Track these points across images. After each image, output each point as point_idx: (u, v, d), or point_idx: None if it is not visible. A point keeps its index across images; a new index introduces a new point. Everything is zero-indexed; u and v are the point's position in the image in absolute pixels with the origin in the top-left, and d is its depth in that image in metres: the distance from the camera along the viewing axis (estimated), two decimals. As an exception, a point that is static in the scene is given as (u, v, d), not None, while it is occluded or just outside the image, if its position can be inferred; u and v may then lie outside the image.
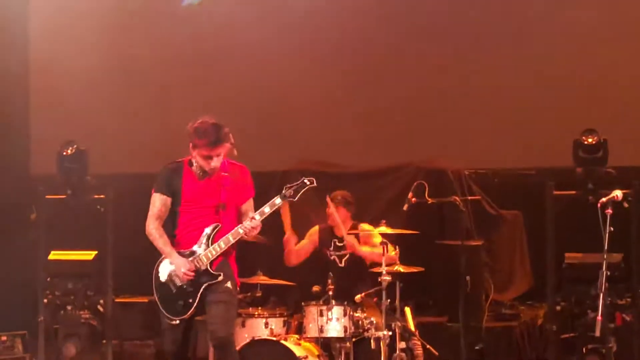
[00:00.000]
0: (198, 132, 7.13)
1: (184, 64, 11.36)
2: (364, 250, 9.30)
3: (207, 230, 7.20)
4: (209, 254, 7.17)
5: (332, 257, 9.42)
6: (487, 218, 10.71)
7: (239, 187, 7.31)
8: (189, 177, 7.29)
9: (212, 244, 7.18)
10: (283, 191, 7.12)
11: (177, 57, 11.42)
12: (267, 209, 7.14)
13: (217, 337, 7.14)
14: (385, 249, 8.84)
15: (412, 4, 11.20)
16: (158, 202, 7.32)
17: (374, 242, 9.23)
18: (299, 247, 9.59)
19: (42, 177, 10.63)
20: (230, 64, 11.21)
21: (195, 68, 11.31)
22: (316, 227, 9.64)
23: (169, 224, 7.34)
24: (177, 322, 7.23)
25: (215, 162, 7.18)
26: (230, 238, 7.15)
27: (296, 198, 7.12)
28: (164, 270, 7.31)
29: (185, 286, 7.20)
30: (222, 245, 7.16)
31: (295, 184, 7.12)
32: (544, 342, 9.82)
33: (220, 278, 7.14)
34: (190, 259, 7.18)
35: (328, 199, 9.25)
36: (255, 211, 7.20)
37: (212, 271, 7.18)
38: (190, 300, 7.18)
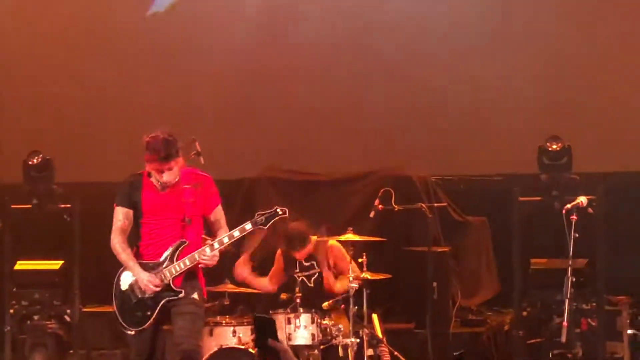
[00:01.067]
0: (149, 147, 7.13)
1: (150, 73, 11.34)
2: (338, 287, 9.18)
3: (172, 247, 7.20)
4: (173, 270, 7.17)
5: (300, 279, 9.12)
6: (453, 224, 10.77)
7: (202, 198, 7.29)
8: (149, 188, 7.28)
9: (176, 260, 7.18)
10: (255, 217, 7.18)
11: (143, 66, 11.41)
12: (236, 233, 7.20)
13: (184, 349, 7.12)
14: (351, 262, 8.84)
15: (378, 16, 11.23)
16: (120, 215, 7.32)
17: (345, 259, 9.12)
18: (271, 274, 9.44)
19: (7, 187, 10.57)
20: (197, 71, 11.20)
21: (162, 75, 11.29)
22: (279, 251, 9.40)
23: (133, 236, 7.35)
24: (132, 332, 7.23)
25: (167, 177, 7.17)
26: (196, 256, 7.15)
27: (267, 226, 7.17)
28: (125, 280, 7.30)
29: (145, 298, 7.21)
30: (187, 262, 7.17)
31: (267, 212, 7.17)
32: (510, 348, 9.86)
33: (181, 295, 7.16)
34: (154, 272, 7.18)
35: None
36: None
37: (174, 287, 7.19)
38: (149, 313, 7.18)
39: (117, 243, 7.28)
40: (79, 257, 9.89)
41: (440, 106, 11.11)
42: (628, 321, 9.65)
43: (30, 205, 9.98)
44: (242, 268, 9.33)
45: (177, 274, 7.18)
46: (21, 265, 10.04)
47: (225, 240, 7.18)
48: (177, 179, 7.24)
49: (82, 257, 9.91)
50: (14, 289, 9.92)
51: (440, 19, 11.20)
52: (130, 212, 7.29)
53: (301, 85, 11.24)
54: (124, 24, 11.51)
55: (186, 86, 11.27)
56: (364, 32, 11.24)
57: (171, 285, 7.18)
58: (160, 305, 7.16)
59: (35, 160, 9.96)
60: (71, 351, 9.86)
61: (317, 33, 11.22)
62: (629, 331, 9.62)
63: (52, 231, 10.32)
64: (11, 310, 9.84)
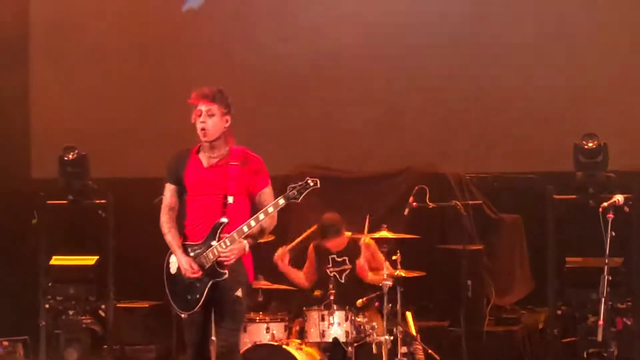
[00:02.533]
0: (197, 89, 7.03)
1: (185, 67, 11.37)
2: (371, 277, 9.18)
3: (213, 227, 6.95)
4: (215, 251, 6.93)
5: (332, 274, 9.20)
6: (487, 222, 10.72)
7: (249, 177, 7.00)
8: (195, 163, 7.08)
9: (218, 240, 6.93)
10: (287, 191, 6.92)
11: (177, 59, 11.45)
12: (270, 209, 6.89)
13: (222, 345, 7.06)
14: (385, 260, 8.84)
15: (415, 18, 11.20)
16: (167, 192, 7.15)
17: (379, 257, 9.15)
18: (304, 270, 9.48)
19: (43, 182, 10.65)
20: (231, 66, 11.21)
21: (197, 70, 11.32)
22: (311, 246, 9.43)
23: (182, 214, 7.17)
24: (185, 316, 7.15)
25: (205, 124, 6.99)
26: (235, 236, 6.89)
27: (300, 199, 6.85)
28: (174, 262, 7.10)
29: (193, 281, 7.00)
30: (227, 243, 6.91)
31: (298, 184, 6.85)
32: (545, 347, 9.82)
33: (226, 277, 6.91)
34: (193, 254, 7.02)
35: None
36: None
37: (218, 269, 6.94)
38: (198, 296, 6.97)
39: (164, 222, 7.09)
40: (113, 252, 9.95)
41: (475, 103, 11.06)
42: (664, 320, 9.59)
43: (65, 201, 10.07)
44: (281, 258, 9.28)
45: (218, 255, 6.92)
46: (56, 260, 10.12)
47: (270, 210, 6.85)
48: (219, 152, 7.04)
49: (117, 253, 9.97)
50: (50, 284, 10.00)
51: (474, 14, 11.16)
52: (176, 188, 7.13)
53: (336, 81, 11.22)
54: (160, 20, 11.56)
55: (221, 82, 11.26)
56: (400, 30, 11.21)
57: (216, 267, 6.94)
58: (207, 288, 6.94)
59: (70, 156, 10.03)
60: (105, 346, 9.92)
61: (350, 32, 11.20)
62: (665, 330, 9.56)
63: (87, 227, 10.40)
64: (46, 305, 9.93)
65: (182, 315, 7.10)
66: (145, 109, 11.43)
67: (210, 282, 6.97)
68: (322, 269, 9.28)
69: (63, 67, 11.49)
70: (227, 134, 7.10)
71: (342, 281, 9.18)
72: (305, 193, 6.85)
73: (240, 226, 6.89)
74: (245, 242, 6.94)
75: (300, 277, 9.42)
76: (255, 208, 7.02)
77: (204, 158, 7.11)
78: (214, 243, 6.95)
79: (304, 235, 9.28)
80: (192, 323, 7.10)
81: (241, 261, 7.05)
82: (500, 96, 11.01)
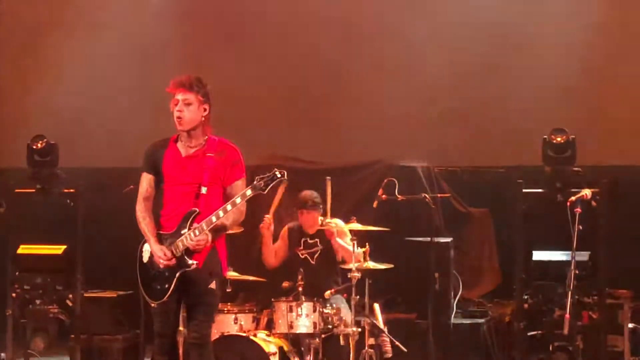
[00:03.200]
0: (175, 78, 7.01)
1: (156, 57, 11.34)
2: (340, 242, 9.27)
3: (184, 217, 6.99)
4: (185, 240, 6.96)
5: (303, 256, 9.41)
6: (456, 215, 10.77)
7: (224, 169, 7.03)
8: (173, 153, 7.09)
9: (188, 230, 6.95)
10: (254, 182, 6.91)
11: (150, 50, 11.41)
12: (238, 200, 6.90)
13: (194, 337, 7.07)
14: (354, 245, 8.88)
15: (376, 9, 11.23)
16: (144, 181, 7.15)
17: (346, 240, 9.28)
18: (276, 248, 9.59)
19: (12, 171, 10.59)
20: (204, 58, 11.19)
21: (168, 61, 11.29)
22: (285, 228, 9.65)
23: (158, 203, 7.18)
24: (155, 305, 7.13)
25: (182, 112, 6.96)
26: (204, 226, 6.93)
27: (266, 190, 6.87)
28: (147, 251, 7.13)
29: (163, 271, 7.02)
30: (196, 233, 6.94)
31: (266, 175, 6.86)
32: (511, 339, 9.87)
33: (194, 266, 6.93)
34: (166, 243, 7.03)
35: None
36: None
37: (187, 259, 6.96)
38: (167, 286, 6.99)
39: (139, 211, 7.11)
40: (81, 242, 9.90)
41: (444, 97, 11.11)
42: (629, 315, 9.66)
43: (33, 190, 9.99)
44: (268, 227, 9.46)
45: (187, 245, 6.94)
46: (24, 249, 10.04)
47: (213, 219, 6.88)
48: (196, 141, 7.05)
49: (85, 242, 9.92)
50: (17, 273, 9.93)
51: (442, 11, 11.21)
52: (153, 178, 7.14)
53: (305, 73, 11.23)
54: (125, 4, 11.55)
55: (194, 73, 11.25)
56: (371, 22, 11.24)
57: (184, 257, 6.96)
58: (175, 278, 6.97)
59: (39, 145, 9.96)
60: (72, 336, 9.87)
61: (322, 24, 11.22)
62: (630, 325, 9.63)
63: (56, 216, 10.32)
64: (13, 294, 9.85)
65: (152, 305, 7.10)
66: (118, 97, 11.39)
67: (179, 273, 6.98)
68: (293, 251, 9.41)
69: (30, 55, 11.41)
70: (205, 123, 7.11)
71: (313, 262, 9.32)
72: (272, 185, 6.86)
73: (209, 216, 6.91)
74: (209, 233, 6.95)
75: (271, 252, 9.53)
76: (227, 199, 7.03)
77: (182, 148, 7.11)
78: (184, 232, 6.96)
79: (278, 196, 9.30)
80: (161, 313, 7.09)
81: (216, 252, 7.08)
82: (470, 91, 11.05)
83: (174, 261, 6.98)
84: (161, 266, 7.01)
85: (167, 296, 7.01)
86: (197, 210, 6.97)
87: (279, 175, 6.85)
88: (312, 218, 9.38)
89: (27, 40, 11.47)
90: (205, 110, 7.07)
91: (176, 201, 7.06)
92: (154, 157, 7.14)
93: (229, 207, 6.90)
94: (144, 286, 7.14)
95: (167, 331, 7.11)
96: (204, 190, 6.99)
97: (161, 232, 7.09)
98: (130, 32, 11.49)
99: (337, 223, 9.33)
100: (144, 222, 7.10)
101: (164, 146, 7.15)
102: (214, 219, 6.90)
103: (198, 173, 7.01)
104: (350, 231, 9.06)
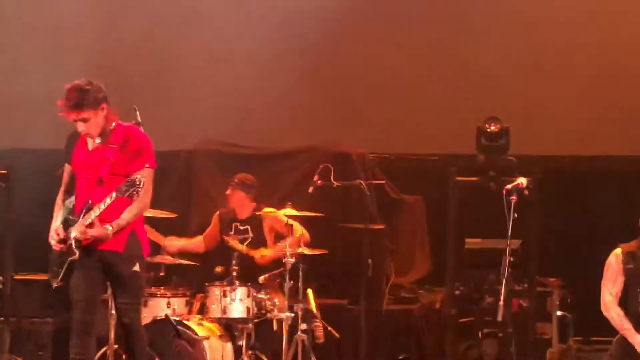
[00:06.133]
0: (65, 93, 6.95)
1: (89, 36, 11.22)
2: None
3: (83, 207, 7.02)
4: (74, 231, 6.99)
5: (231, 242, 9.32)
6: (389, 202, 10.81)
7: (127, 159, 7.00)
8: (82, 145, 7.13)
9: (81, 219, 6.99)
10: (120, 186, 6.86)
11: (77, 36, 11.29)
12: (102, 206, 6.91)
13: (125, 323, 7.06)
14: (291, 230, 8.89)
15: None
16: (65, 171, 7.27)
17: (278, 227, 9.25)
18: (206, 234, 9.56)
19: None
20: (139, 44, 11.10)
21: (99, 44, 11.18)
22: (217, 213, 9.61)
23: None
24: (53, 286, 7.17)
25: (83, 128, 6.97)
26: (81, 220, 6.95)
27: (125, 195, 6.82)
28: None
29: (59, 254, 7.09)
30: (85, 223, 6.96)
31: (130, 180, 6.84)
32: (442, 326, 9.97)
33: (76, 257, 6.98)
34: (69, 230, 7.04)
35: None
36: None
37: (73, 249, 6.98)
38: (59, 270, 7.09)
39: (58, 198, 7.23)
40: (12, 224, 9.78)
41: (379, 83, 11.13)
42: (558, 303, 9.81)
43: (-37, 171, 9.83)
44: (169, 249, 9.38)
45: (77, 235, 6.97)
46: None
47: (97, 211, 6.92)
48: (101, 133, 7.04)
49: (16, 224, 9.80)
50: (-55, 256, 9.79)
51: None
52: (69, 167, 7.23)
53: (240, 59, 11.19)
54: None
55: (125, 57, 11.15)
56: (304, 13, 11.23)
57: (72, 246, 6.99)
58: (65, 266, 7.04)
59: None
60: (2, 318, 9.76)
61: (260, 9, 11.19)
62: (558, 312, 9.79)
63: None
64: (-59, 278, 9.71)
65: (52, 285, 7.16)
66: (45, 78, 11.23)
67: (67, 262, 7.04)
68: (223, 237, 9.38)
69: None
70: (107, 116, 7.08)
71: (242, 247, 9.28)
72: (131, 190, 6.81)
73: (91, 213, 6.94)
74: (109, 226, 6.94)
75: (194, 243, 9.55)
76: None
77: (90, 140, 7.14)
78: (76, 222, 7.02)
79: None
80: (80, 300, 7.05)
81: (135, 235, 7.12)
82: (405, 77, 11.10)
83: (58, 246, 7.05)
84: (53, 246, 7.08)
85: (58, 280, 7.09)
86: (90, 202, 6.95)
87: (137, 183, 6.79)
88: (236, 198, 9.34)
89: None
90: (103, 109, 7.04)
91: (80, 192, 7.11)
92: (68, 149, 7.22)
93: (102, 206, 6.90)
94: (50, 265, 7.20)
95: (83, 318, 7.02)
96: (100, 181, 7.01)
97: (70, 217, 7.13)
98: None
99: (267, 211, 9.32)
100: (56, 206, 7.22)
101: (76, 139, 7.20)
102: (92, 215, 6.91)
103: (99, 165, 7.02)
104: (286, 216, 9.07)
